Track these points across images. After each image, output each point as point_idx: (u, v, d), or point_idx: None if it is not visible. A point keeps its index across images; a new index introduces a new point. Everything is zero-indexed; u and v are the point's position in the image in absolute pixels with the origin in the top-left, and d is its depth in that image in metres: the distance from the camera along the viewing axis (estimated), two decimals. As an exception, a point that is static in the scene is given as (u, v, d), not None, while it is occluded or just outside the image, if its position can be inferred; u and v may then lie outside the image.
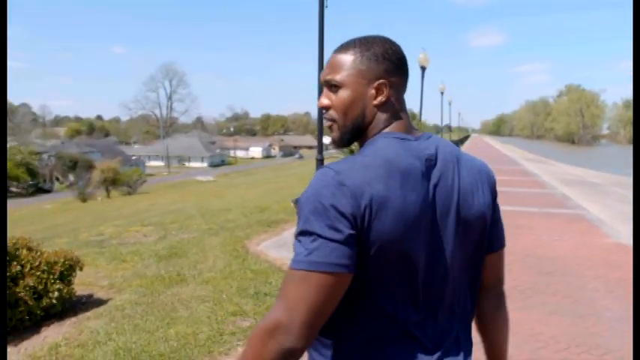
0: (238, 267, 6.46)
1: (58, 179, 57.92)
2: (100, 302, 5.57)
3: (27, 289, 4.84)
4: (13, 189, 55.96)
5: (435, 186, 1.24)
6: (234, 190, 23.52)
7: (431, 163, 1.25)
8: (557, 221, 10.19)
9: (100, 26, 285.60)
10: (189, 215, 11.77)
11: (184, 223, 10.32)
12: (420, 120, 25.07)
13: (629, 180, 16.27)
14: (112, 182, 40.87)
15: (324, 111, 1.36)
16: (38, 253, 5.24)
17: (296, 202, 7.31)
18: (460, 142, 59.21)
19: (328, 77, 1.32)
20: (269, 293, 5.45)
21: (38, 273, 5.00)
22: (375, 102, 1.30)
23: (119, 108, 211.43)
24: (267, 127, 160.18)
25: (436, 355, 1.26)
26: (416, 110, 25.81)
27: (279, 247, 7.60)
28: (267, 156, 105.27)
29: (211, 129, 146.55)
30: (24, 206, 39.32)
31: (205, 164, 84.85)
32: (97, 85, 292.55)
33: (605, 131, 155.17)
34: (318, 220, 1.13)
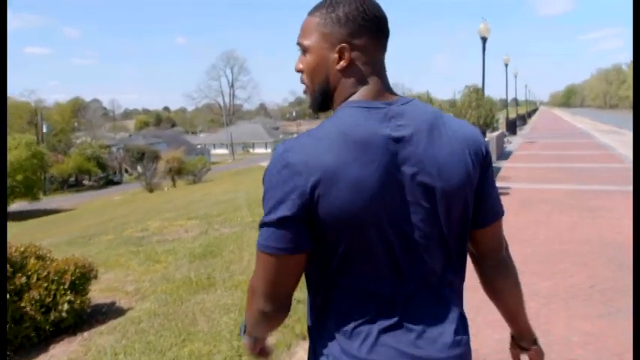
0: (273, 267, 5.85)
1: (127, 171, 59.38)
2: (120, 312, 5.08)
3: (33, 302, 4.38)
4: (85, 182, 57.89)
5: (403, 156, 1.17)
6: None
7: (400, 131, 1.18)
8: None
9: (163, 19, 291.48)
10: (237, 206, 11.30)
11: (229, 216, 9.84)
12: (484, 94, 23.76)
13: None
14: (177, 172, 41.29)
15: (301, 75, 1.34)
16: (48, 262, 4.79)
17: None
18: (528, 115, 56.92)
19: (299, 41, 1.31)
20: (302, 300, 4.76)
21: (46, 284, 4.54)
22: (337, 67, 1.25)
23: (184, 98, 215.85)
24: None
25: (418, 328, 1.22)
26: (479, 84, 24.42)
27: (323, 242, 6.94)
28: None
29: (275, 114, 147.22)
30: (95, 198, 40.48)
31: (269, 150, 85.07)
32: (163, 77, 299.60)
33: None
34: (265, 201, 1.17)
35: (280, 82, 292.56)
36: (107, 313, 5.11)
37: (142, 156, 56.45)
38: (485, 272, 1.42)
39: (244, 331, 1.43)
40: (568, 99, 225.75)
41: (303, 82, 1.33)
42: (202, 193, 19.51)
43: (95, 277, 5.02)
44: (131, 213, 16.27)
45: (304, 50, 1.29)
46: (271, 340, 4.03)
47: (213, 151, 79.80)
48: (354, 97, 1.24)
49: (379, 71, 1.27)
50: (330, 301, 1.25)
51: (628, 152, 18.07)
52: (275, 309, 1.25)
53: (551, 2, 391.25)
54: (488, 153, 1.31)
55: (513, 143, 23.57)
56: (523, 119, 46.92)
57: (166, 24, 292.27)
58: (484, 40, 21.30)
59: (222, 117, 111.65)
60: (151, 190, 37.23)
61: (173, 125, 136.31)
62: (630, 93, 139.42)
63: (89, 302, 4.89)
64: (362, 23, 1.22)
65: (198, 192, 20.96)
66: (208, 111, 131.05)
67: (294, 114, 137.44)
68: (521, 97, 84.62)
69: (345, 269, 1.20)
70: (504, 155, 19.32)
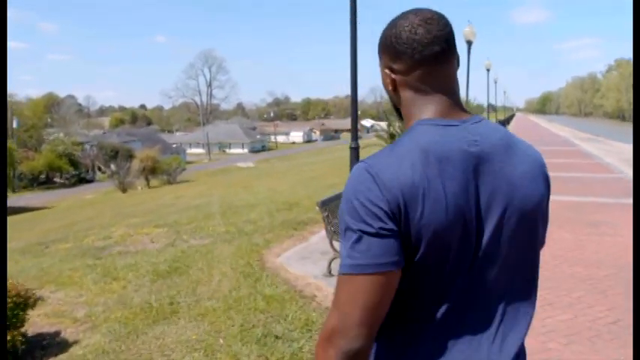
0: (248, 291, 5.08)
1: (100, 169, 58.02)
2: (63, 345, 4.28)
3: (-50, 339, 3.57)
4: (57, 180, 56.37)
5: (480, 173, 1.13)
6: (266, 179, 22.18)
7: (475, 149, 1.13)
8: (641, 215, 8.42)
9: (142, 16, 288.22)
10: (208, 213, 10.48)
11: (200, 224, 9.03)
12: (467, 99, 23.25)
13: None
14: (151, 171, 40.23)
15: None
16: (-26, 287, 3.97)
17: (321, 204, 5.97)
18: (506, 121, 56.94)
19: None
20: (282, 336, 4.04)
21: (-30, 316, 3.73)
22: (389, 88, 1.26)
23: (161, 97, 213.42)
24: (307, 111, 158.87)
25: (480, 344, 1.15)
26: (462, 89, 23.94)
27: (304, 259, 6.19)
28: (309, 140, 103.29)
29: (252, 115, 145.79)
30: (66, 197, 39.16)
31: (246, 150, 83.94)
32: (141, 75, 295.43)
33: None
34: (356, 219, 1.07)
35: (259, 82, 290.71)
36: (48, 347, 4.31)
37: (115, 154, 55.24)
38: None
39: None
40: (543, 106, 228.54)
41: None
42: (174, 195, 18.61)
43: (34, 305, 4.22)
44: (97, 216, 15.35)
45: None
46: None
47: (189, 151, 78.57)
48: (425, 116, 1.19)
49: (435, 91, 1.20)
50: (394, 317, 1.15)
51: (615, 162, 17.66)
52: (366, 345, 1.08)
53: (528, 11, 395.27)
54: (548, 173, 1.28)
55: (496, 149, 23.05)
56: (503, 125, 46.77)
57: (146, 22, 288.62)
58: (469, 43, 20.78)
59: (199, 116, 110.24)
60: (123, 190, 36.25)
61: (149, 123, 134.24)
62: (604, 102, 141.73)
63: (21, 338, 4.06)
64: (399, 49, 1.19)
65: (170, 194, 20.04)
66: (185, 110, 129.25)
67: (271, 114, 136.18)
68: (499, 103, 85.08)
69: (419, 285, 1.13)
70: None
